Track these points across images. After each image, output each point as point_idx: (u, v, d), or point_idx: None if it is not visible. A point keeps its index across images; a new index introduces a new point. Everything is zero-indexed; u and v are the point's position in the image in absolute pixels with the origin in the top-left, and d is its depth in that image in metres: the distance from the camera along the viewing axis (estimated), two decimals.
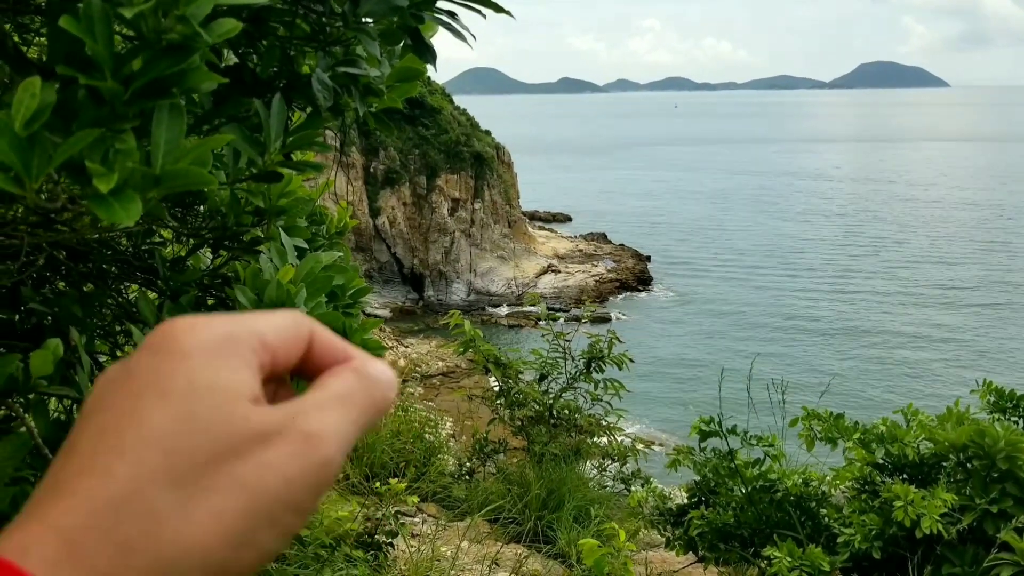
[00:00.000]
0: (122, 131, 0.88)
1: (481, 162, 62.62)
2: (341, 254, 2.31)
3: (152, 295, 2.17)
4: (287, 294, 1.70)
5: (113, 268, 2.29)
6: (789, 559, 4.01)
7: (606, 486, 7.57)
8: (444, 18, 1.59)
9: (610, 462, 7.79)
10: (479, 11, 1.63)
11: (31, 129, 0.82)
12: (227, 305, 2.12)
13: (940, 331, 52.50)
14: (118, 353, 2.34)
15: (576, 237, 76.43)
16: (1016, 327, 52.55)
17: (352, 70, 1.62)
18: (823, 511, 4.66)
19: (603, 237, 76.96)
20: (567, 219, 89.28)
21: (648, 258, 70.86)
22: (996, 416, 4.87)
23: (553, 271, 64.83)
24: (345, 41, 1.56)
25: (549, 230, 78.65)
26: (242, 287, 1.71)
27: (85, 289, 2.20)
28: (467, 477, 7.46)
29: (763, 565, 4.30)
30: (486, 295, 60.85)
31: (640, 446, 8.11)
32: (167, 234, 2.40)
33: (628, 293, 62.96)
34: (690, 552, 5.11)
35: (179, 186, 0.89)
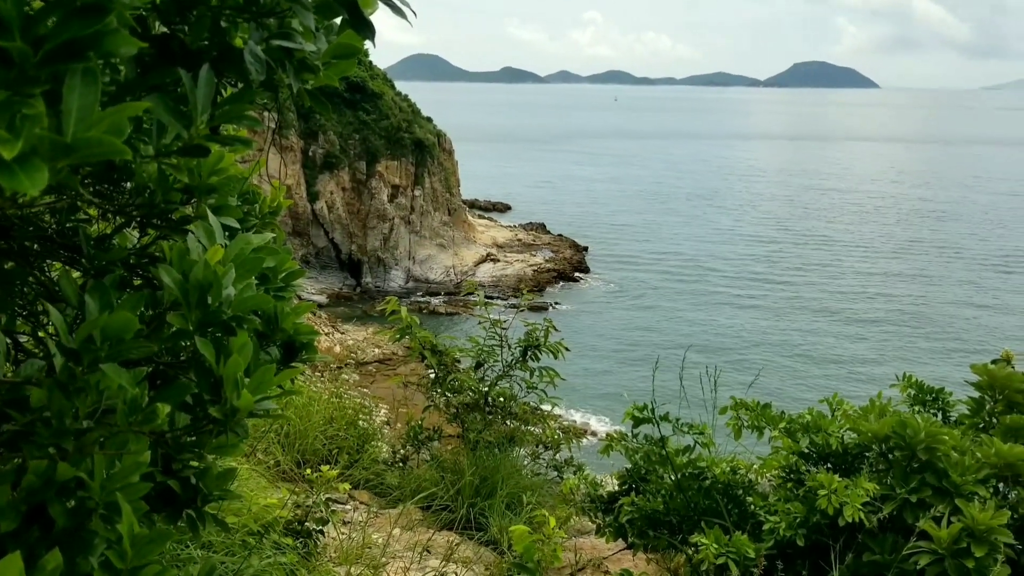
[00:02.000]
0: (31, 95, 0.82)
1: (422, 149, 62.17)
2: (274, 235, 2.25)
3: (76, 274, 2.08)
4: (214, 275, 1.64)
5: (35, 245, 2.20)
6: (716, 546, 4.08)
7: (539, 474, 7.60)
8: None
9: (544, 450, 7.82)
10: None
11: None
12: (154, 285, 2.05)
13: (864, 325, 54.17)
14: (40, 334, 2.25)
15: (515, 227, 76.65)
16: (930, 324, 54.58)
17: (286, 44, 1.57)
18: (749, 499, 4.76)
19: (542, 227, 77.36)
20: (507, 208, 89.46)
21: (585, 249, 71.46)
22: (916, 408, 5.04)
23: (492, 260, 64.87)
24: (279, 12, 1.51)
25: (489, 219, 78.66)
26: (167, 267, 1.65)
27: (6, 267, 2.10)
28: (400, 464, 7.41)
29: (690, 552, 4.38)
30: (424, 282, 60.56)
31: (573, 434, 8.17)
32: (92, 211, 2.30)
33: (565, 283, 63.41)
34: (620, 539, 5.16)
35: (92, 155, 0.84)
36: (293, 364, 2.11)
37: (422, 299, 56.96)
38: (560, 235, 74.66)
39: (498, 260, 64.92)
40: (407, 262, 61.11)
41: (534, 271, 63.17)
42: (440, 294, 58.47)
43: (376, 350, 42.49)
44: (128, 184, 2.12)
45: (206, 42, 1.57)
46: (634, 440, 5.25)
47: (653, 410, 4.98)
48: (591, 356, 45.60)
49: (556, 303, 56.44)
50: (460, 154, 68.79)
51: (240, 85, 1.66)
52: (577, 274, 65.37)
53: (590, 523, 5.76)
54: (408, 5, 1.66)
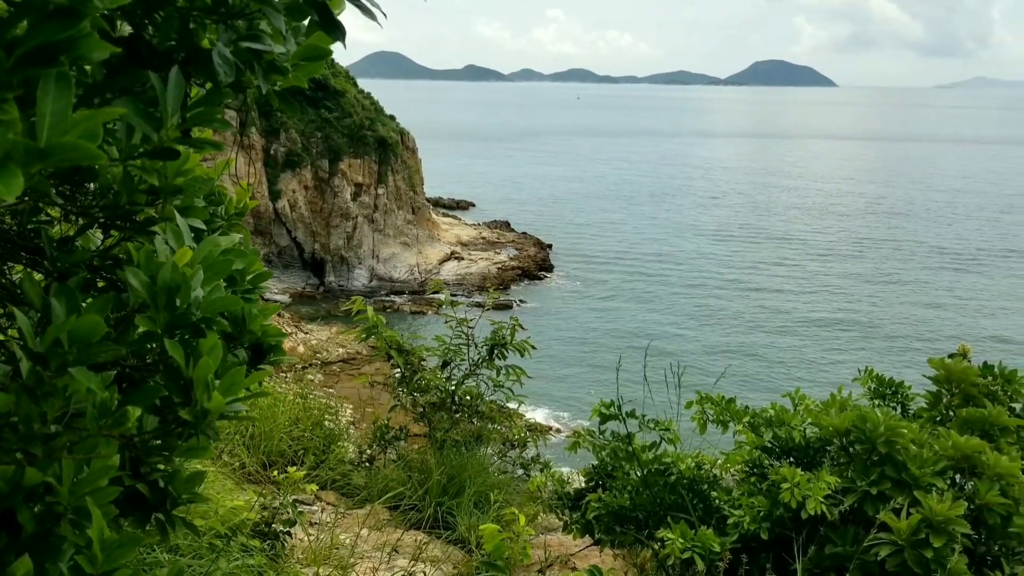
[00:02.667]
0: (4, 101, 0.82)
1: (385, 147, 61.84)
2: (241, 237, 2.24)
3: (38, 276, 2.05)
4: (183, 277, 1.63)
5: None
6: (682, 540, 4.13)
7: (506, 472, 7.62)
8: None
9: (511, 448, 7.84)
10: None
11: None
12: (118, 288, 2.03)
13: (823, 321, 55.01)
14: (1, 337, 2.21)
15: (479, 225, 76.63)
16: (887, 321, 55.60)
17: (256, 45, 1.56)
18: (714, 493, 4.81)
19: (506, 225, 77.44)
20: (471, 206, 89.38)
21: (549, 246, 71.66)
22: (876, 402, 5.13)
23: (456, 258, 64.77)
24: (248, 14, 1.50)
25: (453, 217, 78.53)
26: (134, 269, 1.63)
27: None
28: (367, 464, 7.38)
29: (657, 547, 4.42)
30: (388, 281, 60.27)
31: (540, 432, 8.20)
32: (55, 212, 2.27)
33: (530, 281, 63.53)
34: (587, 535, 5.20)
35: (66, 160, 0.83)
36: (261, 366, 2.11)
37: (386, 298, 56.68)
38: (524, 233, 74.81)
39: (462, 258, 64.85)
40: (371, 261, 60.77)
41: (499, 269, 63.22)
42: (404, 293, 58.24)
43: (340, 350, 42.27)
44: (92, 185, 2.10)
45: (173, 43, 1.55)
46: (601, 437, 5.29)
47: (620, 407, 5.02)
48: (556, 353, 45.74)
49: (521, 300, 56.53)
50: (423, 152, 68.60)
51: (207, 86, 1.65)
52: (542, 272, 65.53)
53: (557, 520, 5.78)
54: (378, 6, 1.66)
